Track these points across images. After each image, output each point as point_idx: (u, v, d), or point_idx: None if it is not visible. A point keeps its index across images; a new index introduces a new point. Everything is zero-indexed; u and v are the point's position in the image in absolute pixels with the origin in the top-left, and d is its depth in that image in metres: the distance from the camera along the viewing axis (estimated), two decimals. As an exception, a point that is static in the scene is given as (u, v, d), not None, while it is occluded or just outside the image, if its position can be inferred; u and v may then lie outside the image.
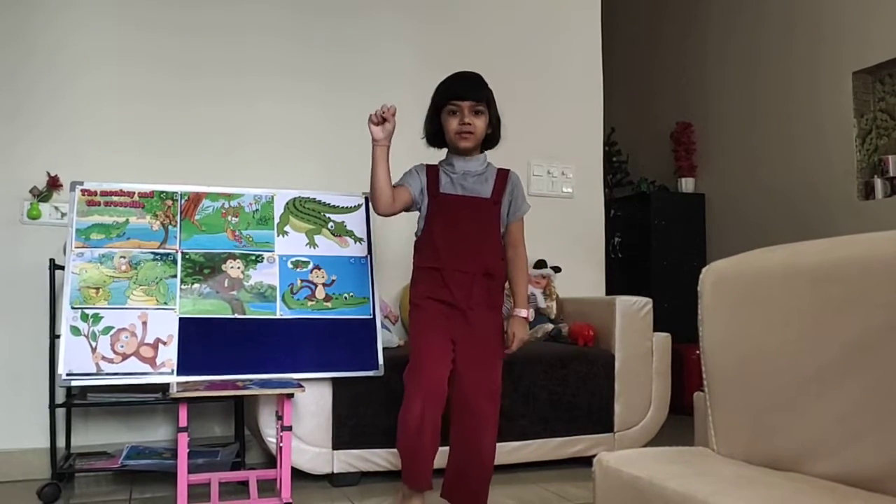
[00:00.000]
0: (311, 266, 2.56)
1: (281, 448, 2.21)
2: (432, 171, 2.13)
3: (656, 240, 4.63)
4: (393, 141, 2.07)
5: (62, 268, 2.42)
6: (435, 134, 2.14)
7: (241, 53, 3.16)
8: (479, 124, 2.06)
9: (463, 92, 2.05)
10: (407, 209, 2.14)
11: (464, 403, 2.02)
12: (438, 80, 2.19)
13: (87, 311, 2.29)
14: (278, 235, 2.57)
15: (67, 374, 2.22)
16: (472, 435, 2.02)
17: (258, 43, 3.19)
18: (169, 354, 2.30)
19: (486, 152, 2.20)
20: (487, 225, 2.09)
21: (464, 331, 2.05)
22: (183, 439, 2.06)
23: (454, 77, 2.12)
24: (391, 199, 2.07)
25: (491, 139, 2.15)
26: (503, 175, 2.16)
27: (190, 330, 2.34)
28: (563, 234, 3.64)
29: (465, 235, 2.06)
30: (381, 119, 2.01)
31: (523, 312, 2.14)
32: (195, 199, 2.55)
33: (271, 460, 2.55)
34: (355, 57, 3.31)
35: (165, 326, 2.33)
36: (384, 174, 2.03)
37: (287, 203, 2.64)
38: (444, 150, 2.22)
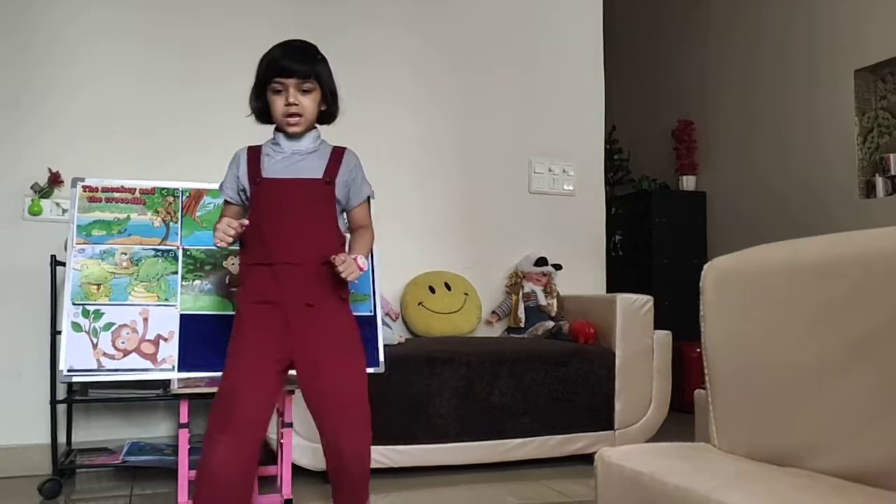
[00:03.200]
0: (312, 263, 2.55)
1: (282, 444, 2.21)
2: (253, 155, 1.85)
3: (657, 238, 4.63)
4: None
5: (63, 264, 2.42)
6: (261, 111, 1.86)
7: (242, 55, 3.15)
8: (308, 104, 1.77)
9: (288, 68, 1.75)
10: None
11: (323, 408, 1.73)
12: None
13: (88, 307, 2.29)
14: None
15: (68, 371, 2.22)
16: (338, 439, 1.72)
17: (258, 49, 3.18)
18: (170, 351, 2.29)
19: (319, 128, 1.88)
20: (322, 209, 1.79)
21: (305, 334, 1.73)
22: (184, 435, 2.06)
23: (279, 49, 1.81)
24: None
25: (327, 115, 1.86)
26: (338, 153, 1.85)
27: (191, 326, 2.33)
28: (563, 232, 3.64)
29: (296, 222, 1.75)
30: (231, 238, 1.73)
31: (354, 255, 1.76)
32: (196, 195, 2.54)
33: (271, 457, 2.55)
34: (355, 57, 3.31)
35: (166, 323, 2.32)
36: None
37: (288, 200, 2.63)
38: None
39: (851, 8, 3.88)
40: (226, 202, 1.91)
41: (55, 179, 2.81)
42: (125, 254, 2.39)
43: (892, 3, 3.66)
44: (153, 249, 2.41)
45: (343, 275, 1.71)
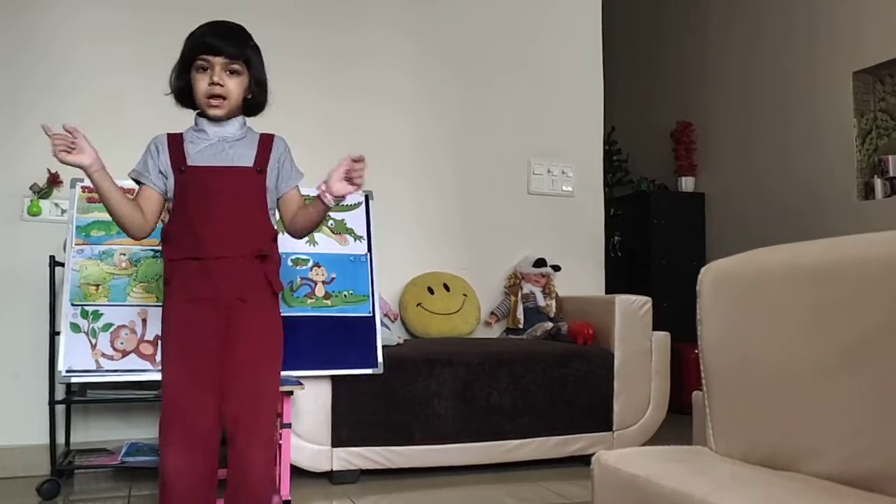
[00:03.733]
0: (310, 264, 2.56)
1: (280, 445, 2.21)
2: (175, 142, 1.72)
3: (656, 239, 4.64)
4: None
5: (62, 264, 2.43)
6: (182, 91, 1.74)
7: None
8: (234, 87, 1.66)
9: (216, 45, 1.65)
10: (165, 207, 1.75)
11: (230, 410, 1.64)
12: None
13: (87, 307, 2.29)
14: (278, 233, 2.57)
15: (67, 371, 2.22)
16: (238, 446, 1.64)
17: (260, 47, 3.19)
18: (169, 351, 2.30)
19: (244, 117, 1.79)
20: (252, 198, 1.70)
21: (234, 329, 1.66)
22: (182, 436, 2.06)
23: (208, 26, 1.72)
24: (142, 219, 1.69)
25: (253, 105, 1.76)
26: (267, 140, 1.76)
27: (190, 327, 2.33)
28: (562, 233, 3.64)
29: (226, 213, 1.65)
30: (70, 147, 1.59)
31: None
32: (195, 196, 2.54)
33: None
34: (354, 58, 3.31)
35: (165, 323, 2.33)
36: (117, 199, 1.64)
37: (287, 201, 2.64)
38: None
39: (850, 10, 3.88)
40: (139, 187, 1.74)
41: (54, 180, 2.81)
42: (124, 254, 2.39)
43: (891, 4, 3.67)
44: (152, 250, 2.42)
45: (356, 179, 1.67)
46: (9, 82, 2.84)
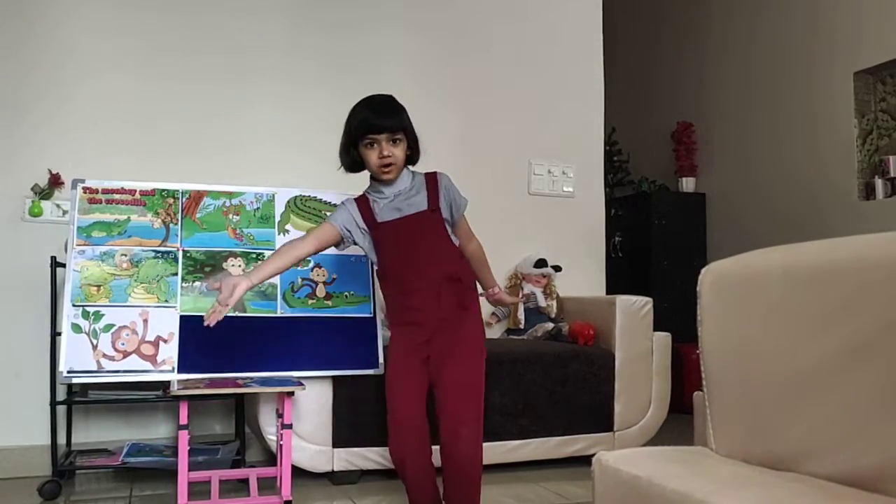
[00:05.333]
0: (311, 264, 2.56)
1: (281, 446, 2.22)
2: (363, 203, 2.04)
3: (657, 239, 4.64)
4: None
5: (63, 265, 2.43)
6: (352, 163, 2.05)
7: (243, 55, 3.16)
8: (399, 153, 1.97)
9: (378, 125, 1.94)
10: (336, 244, 2.07)
11: (441, 404, 1.97)
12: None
13: (88, 308, 2.30)
14: (279, 234, 2.58)
15: (68, 372, 2.22)
16: (450, 434, 1.94)
17: (258, 48, 3.19)
18: (170, 352, 2.30)
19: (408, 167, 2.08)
20: (435, 235, 2.02)
21: (438, 340, 1.99)
22: (183, 437, 2.06)
23: (367, 107, 1.99)
24: (299, 256, 2.03)
25: (412, 158, 2.06)
26: (433, 180, 2.06)
27: (190, 328, 2.34)
28: (563, 234, 3.64)
29: (417, 253, 2.00)
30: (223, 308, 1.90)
31: (497, 289, 2.25)
32: (196, 197, 2.55)
33: (271, 458, 2.55)
34: (355, 58, 3.32)
35: (166, 324, 2.33)
36: (281, 269, 2.04)
37: (288, 201, 2.64)
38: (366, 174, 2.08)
39: (851, 10, 3.88)
40: (328, 224, 2.05)
41: (55, 181, 2.81)
42: (125, 255, 2.40)
43: (892, 4, 3.67)
44: (153, 251, 2.42)
45: (509, 301, 2.37)
46: (8, 82, 2.85)
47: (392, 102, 2.01)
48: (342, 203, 2.08)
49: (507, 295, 2.12)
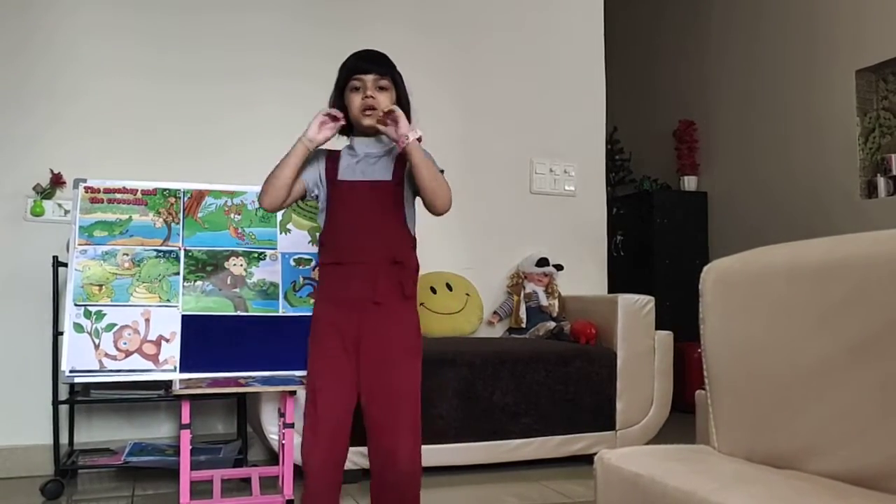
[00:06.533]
0: (313, 263, 2.56)
1: (283, 445, 2.22)
2: (332, 157, 1.93)
3: (658, 238, 4.63)
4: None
5: (65, 265, 2.43)
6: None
7: (244, 54, 3.17)
8: (384, 100, 1.85)
9: (366, 66, 1.87)
10: (299, 199, 1.97)
11: (372, 415, 1.81)
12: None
13: (90, 308, 2.30)
14: (281, 233, 2.57)
15: (70, 371, 2.22)
16: (384, 453, 1.80)
17: (259, 46, 3.19)
18: (171, 351, 2.30)
19: None
20: (390, 210, 1.87)
21: (369, 328, 1.81)
22: (185, 436, 2.06)
23: (356, 53, 1.92)
24: (286, 196, 1.90)
25: None
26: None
27: (192, 327, 2.34)
28: (565, 232, 3.64)
29: (366, 224, 1.84)
30: (333, 118, 1.86)
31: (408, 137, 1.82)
32: (198, 196, 2.55)
33: (273, 457, 2.55)
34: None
35: (168, 324, 2.33)
36: (293, 171, 1.87)
37: (289, 201, 2.64)
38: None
39: (852, 8, 3.88)
40: (300, 179, 1.91)
41: (57, 180, 2.81)
42: (127, 255, 2.39)
43: (893, 2, 3.66)
44: (155, 250, 2.42)
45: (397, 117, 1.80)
46: (11, 83, 2.85)
47: (384, 55, 1.93)
48: (316, 154, 1.94)
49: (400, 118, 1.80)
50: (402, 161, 1.89)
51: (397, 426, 1.80)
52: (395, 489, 1.80)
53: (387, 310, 1.82)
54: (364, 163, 1.90)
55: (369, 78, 1.86)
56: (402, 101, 1.92)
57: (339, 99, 1.91)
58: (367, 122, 1.85)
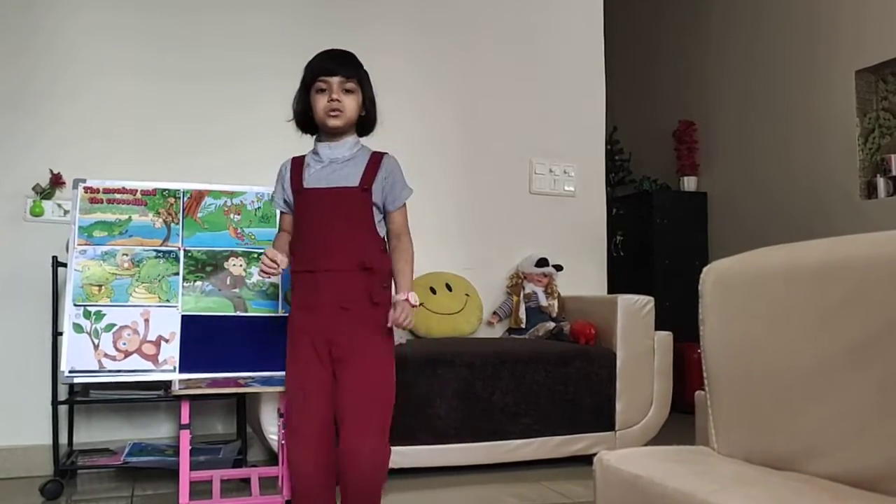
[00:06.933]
0: (313, 264, 2.56)
1: (283, 445, 2.21)
2: (297, 164, 1.93)
3: (658, 238, 4.63)
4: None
5: (65, 265, 2.43)
6: (304, 114, 1.93)
7: (244, 54, 3.17)
8: (350, 103, 1.86)
9: (332, 68, 1.86)
10: None
11: (342, 412, 1.81)
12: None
13: (89, 308, 2.29)
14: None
15: (70, 371, 2.22)
16: (349, 449, 1.78)
17: (258, 46, 3.19)
18: (171, 352, 2.30)
19: (358, 137, 1.98)
20: (358, 216, 1.86)
21: (338, 333, 1.82)
22: (185, 436, 2.06)
23: (323, 53, 1.91)
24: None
25: (366, 122, 1.94)
26: (375, 159, 1.92)
27: (192, 327, 2.34)
28: (564, 233, 3.64)
29: (333, 231, 1.84)
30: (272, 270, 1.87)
31: (403, 295, 1.84)
32: (197, 196, 2.55)
33: (273, 457, 2.55)
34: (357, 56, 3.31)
35: (168, 324, 2.33)
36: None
37: (289, 201, 2.64)
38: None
39: (852, 8, 3.88)
40: (281, 214, 2.01)
41: (57, 180, 2.81)
42: (126, 255, 2.39)
43: (893, 3, 3.66)
44: (154, 250, 2.42)
45: (404, 325, 1.82)
46: (11, 83, 2.85)
47: (351, 55, 1.93)
48: (279, 171, 1.97)
49: (404, 313, 1.81)
50: (371, 165, 1.90)
51: (363, 427, 1.79)
52: (356, 488, 1.80)
53: (357, 316, 1.83)
54: (329, 169, 1.89)
55: (335, 80, 1.86)
56: (368, 101, 1.93)
57: (303, 99, 1.92)
58: (332, 122, 1.86)
